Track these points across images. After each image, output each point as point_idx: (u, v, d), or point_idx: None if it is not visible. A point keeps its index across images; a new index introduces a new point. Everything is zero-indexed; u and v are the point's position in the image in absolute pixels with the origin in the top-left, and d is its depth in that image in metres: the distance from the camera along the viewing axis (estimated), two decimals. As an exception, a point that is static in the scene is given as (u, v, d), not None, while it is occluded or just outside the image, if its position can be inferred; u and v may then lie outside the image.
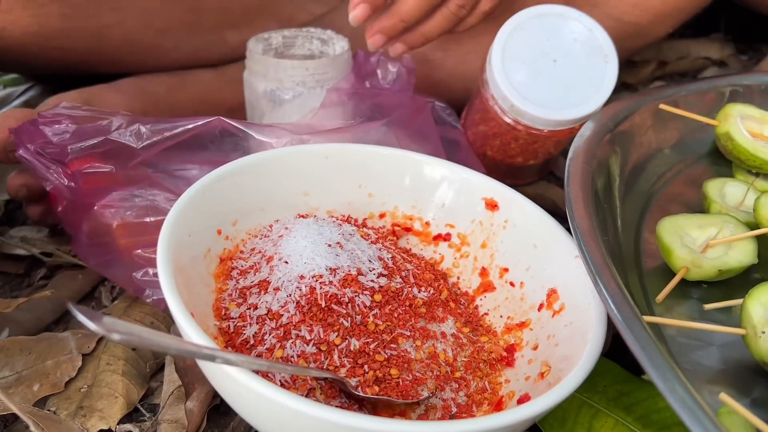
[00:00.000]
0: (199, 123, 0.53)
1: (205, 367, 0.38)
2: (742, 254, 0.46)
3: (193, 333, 0.36)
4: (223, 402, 0.47)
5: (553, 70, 0.61)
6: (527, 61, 0.61)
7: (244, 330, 0.43)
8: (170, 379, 0.47)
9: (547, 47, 0.61)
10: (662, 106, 0.57)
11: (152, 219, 0.52)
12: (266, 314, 0.43)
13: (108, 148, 0.52)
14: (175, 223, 0.43)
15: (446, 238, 0.53)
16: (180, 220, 0.43)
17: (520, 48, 0.61)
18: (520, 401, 0.41)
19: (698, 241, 0.48)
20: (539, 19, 0.62)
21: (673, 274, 0.46)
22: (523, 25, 0.62)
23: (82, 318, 0.25)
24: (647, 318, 0.38)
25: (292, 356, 0.41)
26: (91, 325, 0.25)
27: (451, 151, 0.62)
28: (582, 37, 0.61)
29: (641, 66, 0.90)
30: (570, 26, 0.62)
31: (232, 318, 0.43)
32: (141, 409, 0.47)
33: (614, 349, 0.49)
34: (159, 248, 0.40)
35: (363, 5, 0.59)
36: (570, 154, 0.49)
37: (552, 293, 0.46)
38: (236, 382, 0.34)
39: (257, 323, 0.43)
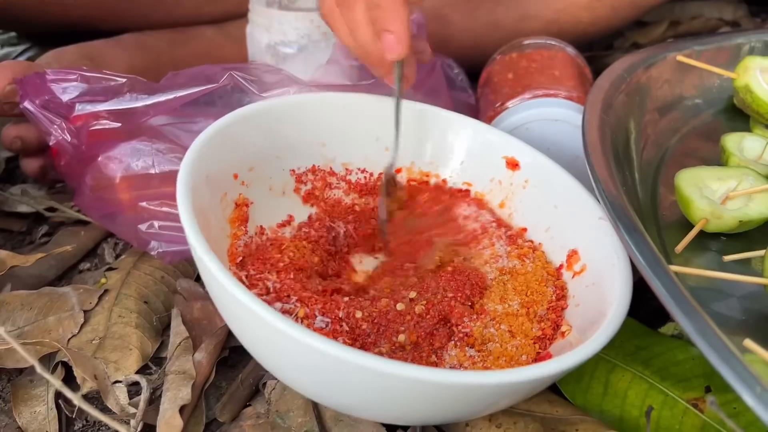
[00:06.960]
0: (213, 86, 0.51)
1: (222, 303, 0.37)
2: (763, 206, 0.45)
3: (219, 273, 0.34)
4: (231, 355, 0.46)
5: None
6: None
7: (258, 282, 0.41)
8: (177, 331, 0.45)
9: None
10: (680, 58, 0.56)
11: (156, 171, 0.51)
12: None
13: (116, 108, 0.51)
14: (193, 163, 0.41)
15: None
16: (197, 160, 0.41)
17: None
18: (540, 359, 0.40)
19: (718, 193, 0.47)
20: (550, 123, 0.54)
21: (690, 228, 0.45)
22: (529, 126, 0.55)
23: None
24: (671, 267, 0.37)
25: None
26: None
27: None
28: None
29: (653, 26, 0.88)
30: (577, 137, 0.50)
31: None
32: (148, 362, 0.46)
33: (631, 303, 0.48)
34: (179, 187, 0.39)
35: None
36: (586, 105, 0.48)
37: (573, 254, 0.45)
38: (259, 320, 0.33)
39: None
